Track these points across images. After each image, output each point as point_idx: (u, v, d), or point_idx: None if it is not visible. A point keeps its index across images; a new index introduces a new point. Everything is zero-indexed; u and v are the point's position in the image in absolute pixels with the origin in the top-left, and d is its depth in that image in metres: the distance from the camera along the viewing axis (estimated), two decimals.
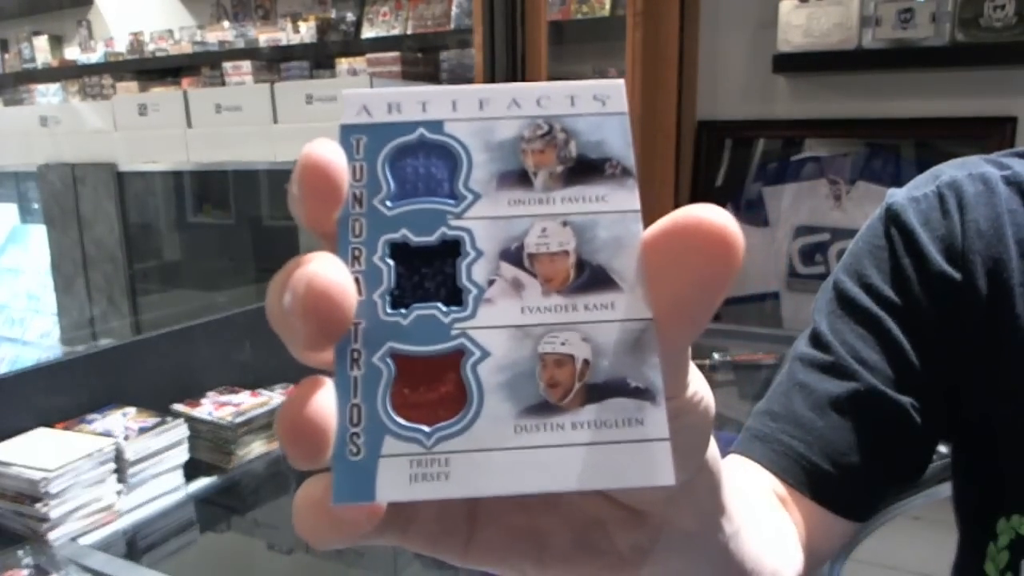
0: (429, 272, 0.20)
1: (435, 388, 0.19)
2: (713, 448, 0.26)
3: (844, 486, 0.52)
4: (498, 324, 0.20)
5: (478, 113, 0.21)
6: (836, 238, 1.77)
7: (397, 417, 0.19)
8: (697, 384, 0.23)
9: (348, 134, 0.21)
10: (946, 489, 0.87)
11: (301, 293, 0.18)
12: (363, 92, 0.22)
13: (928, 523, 1.23)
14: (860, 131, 1.75)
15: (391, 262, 0.20)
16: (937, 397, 0.54)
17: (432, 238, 0.20)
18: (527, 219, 0.21)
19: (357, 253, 0.20)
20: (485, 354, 0.20)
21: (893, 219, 0.56)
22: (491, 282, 0.20)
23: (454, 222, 0.20)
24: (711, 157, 1.95)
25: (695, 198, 1.96)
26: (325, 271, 0.19)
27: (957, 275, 0.53)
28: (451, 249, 0.20)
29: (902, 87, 1.66)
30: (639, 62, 1.83)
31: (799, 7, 1.66)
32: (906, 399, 0.52)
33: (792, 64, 1.72)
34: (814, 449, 0.52)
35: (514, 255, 0.20)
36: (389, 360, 0.20)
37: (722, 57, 1.92)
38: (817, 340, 0.55)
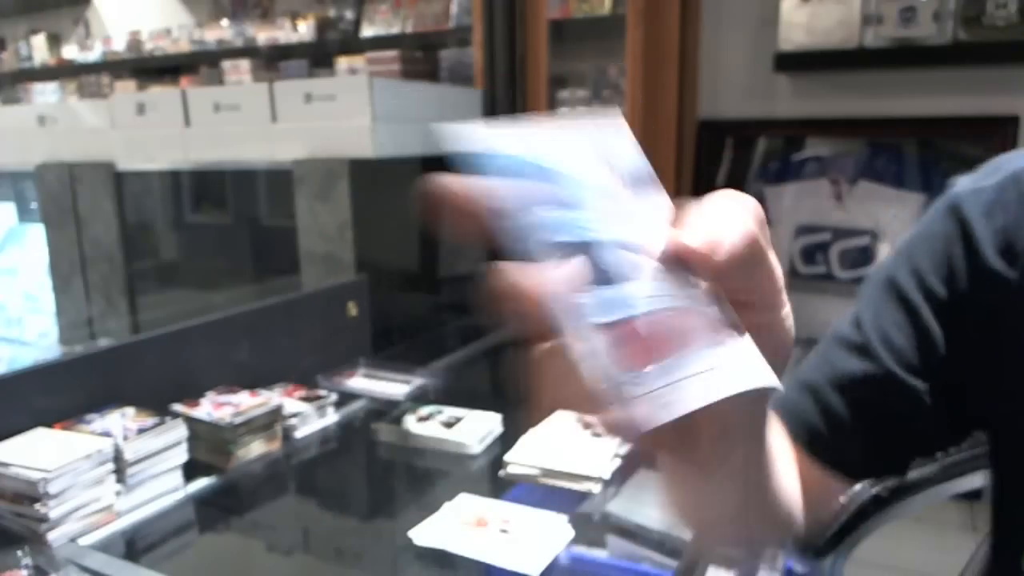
0: (598, 264, 0.27)
1: (647, 342, 0.27)
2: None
3: (837, 444, 0.57)
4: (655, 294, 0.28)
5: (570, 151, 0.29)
6: (837, 238, 1.77)
7: (632, 366, 0.26)
8: (788, 307, 0.34)
9: (481, 161, 0.27)
10: (948, 489, 0.86)
11: (514, 297, 0.27)
12: (488, 130, 0.28)
13: (929, 524, 1.23)
14: (862, 130, 1.74)
15: (572, 260, 0.27)
16: (959, 389, 0.54)
17: (586, 239, 0.28)
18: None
19: (542, 254, 0.27)
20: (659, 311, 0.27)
21: (953, 209, 0.55)
22: (641, 270, 0.28)
23: (593, 228, 0.28)
24: (712, 156, 1.95)
25: (696, 198, 1.95)
26: (528, 279, 0.27)
27: (1011, 273, 0.52)
28: (602, 247, 0.28)
29: (904, 86, 1.65)
30: (640, 61, 1.82)
31: (801, 5, 1.66)
32: (919, 383, 0.54)
33: (794, 63, 1.72)
34: (817, 414, 0.57)
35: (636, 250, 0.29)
36: (606, 327, 0.27)
37: (723, 56, 1.91)
38: (856, 320, 0.58)
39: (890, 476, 0.67)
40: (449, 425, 1.08)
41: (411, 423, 1.06)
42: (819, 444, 0.57)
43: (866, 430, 0.56)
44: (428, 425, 1.06)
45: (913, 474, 0.79)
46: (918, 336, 0.54)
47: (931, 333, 0.54)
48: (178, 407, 1.03)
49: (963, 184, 0.56)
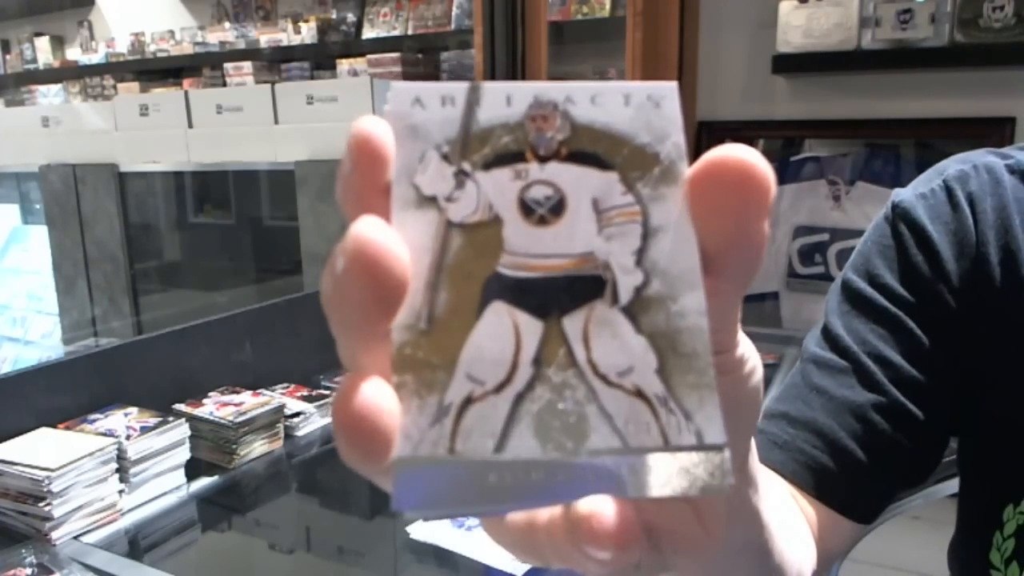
0: None
1: None
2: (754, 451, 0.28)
3: (853, 485, 0.53)
4: None
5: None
6: (836, 238, 1.77)
7: None
8: (745, 346, 0.23)
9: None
10: (946, 489, 0.87)
11: (351, 249, 0.18)
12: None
13: (928, 523, 1.23)
14: (860, 131, 1.75)
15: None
16: (952, 393, 0.54)
17: None
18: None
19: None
20: None
21: (902, 217, 0.56)
22: None
23: None
24: None
25: None
26: (372, 229, 0.18)
27: (971, 268, 0.53)
28: None
29: (901, 87, 1.66)
30: (639, 62, 1.83)
31: (799, 8, 1.66)
32: (921, 409, 0.53)
33: (792, 65, 1.72)
34: (833, 459, 0.52)
35: None
36: None
37: (722, 57, 1.92)
38: (833, 342, 0.55)
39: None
40: None
41: None
42: (830, 487, 0.52)
43: (883, 468, 0.53)
44: None
45: None
46: (905, 344, 0.53)
47: (917, 338, 0.53)
48: (181, 407, 1.04)
49: (905, 193, 0.57)
